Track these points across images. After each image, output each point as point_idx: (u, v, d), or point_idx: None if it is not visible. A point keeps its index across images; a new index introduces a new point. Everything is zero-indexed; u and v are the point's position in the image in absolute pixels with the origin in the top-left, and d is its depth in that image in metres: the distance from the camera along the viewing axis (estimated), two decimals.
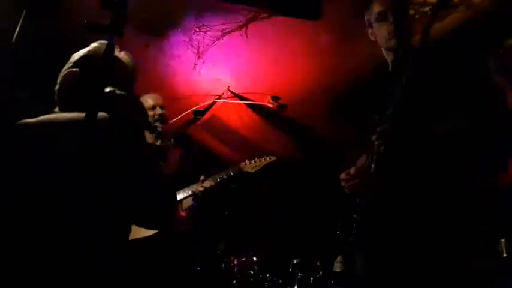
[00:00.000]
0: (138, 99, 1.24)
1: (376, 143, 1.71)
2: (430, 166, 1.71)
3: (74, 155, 0.91)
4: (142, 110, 1.24)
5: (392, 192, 1.73)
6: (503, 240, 1.49)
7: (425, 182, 1.70)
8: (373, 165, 1.75)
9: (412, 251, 1.67)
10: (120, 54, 1.43)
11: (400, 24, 1.86)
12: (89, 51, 1.41)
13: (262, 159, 3.03)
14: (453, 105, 1.70)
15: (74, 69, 1.37)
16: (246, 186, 3.37)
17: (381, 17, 1.89)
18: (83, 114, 0.96)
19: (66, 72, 1.38)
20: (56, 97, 1.40)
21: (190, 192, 2.73)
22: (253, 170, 2.97)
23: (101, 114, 1.12)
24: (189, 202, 2.73)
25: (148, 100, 2.89)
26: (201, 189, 2.69)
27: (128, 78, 1.41)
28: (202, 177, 2.74)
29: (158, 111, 2.83)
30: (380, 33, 1.92)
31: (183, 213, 2.76)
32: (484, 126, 1.66)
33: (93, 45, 1.42)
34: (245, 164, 2.99)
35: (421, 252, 1.66)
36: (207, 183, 2.73)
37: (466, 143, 1.68)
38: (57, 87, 1.40)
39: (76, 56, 1.42)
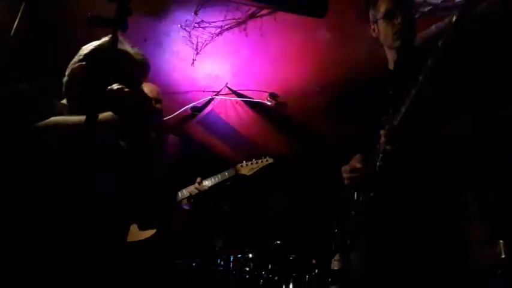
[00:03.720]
0: (146, 97, 1.21)
1: (384, 141, 1.70)
2: (435, 167, 1.70)
3: (78, 157, 0.90)
4: (149, 107, 1.22)
5: (395, 190, 1.73)
6: (501, 241, 1.49)
7: (428, 182, 1.70)
8: (378, 163, 1.74)
9: (410, 250, 1.67)
10: (133, 50, 1.41)
11: (407, 24, 1.85)
12: (99, 45, 1.39)
13: (259, 162, 2.96)
14: (458, 106, 1.70)
15: (82, 63, 1.35)
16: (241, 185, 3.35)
17: (389, 16, 1.87)
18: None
19: (75, 65, 1.36)
20: (63, 89, 1.38)
21: (187, 194, 2.72)
22: (250, 173, 2.92)
23: (106, 114, 1.10)
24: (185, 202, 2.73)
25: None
26: (197, 191, 2.68)
27: (137, 74, 1.38)
28: (198, 179, 2.72)
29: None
30: (386, 31, 1.90)
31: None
32: (487, 127, 1.66)
33: (104, 39, 1.40)
34: (241, 166, 2.93)
35: (420, 252, 1.65)
36: (204, 186, 2.72)
37: (470, 145, 1.67)
38: (65, 79, 1.38)
39: (85, 49, 1.40)
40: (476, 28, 2.38)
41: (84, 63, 1.35)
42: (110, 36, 1.36)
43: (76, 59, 1.38)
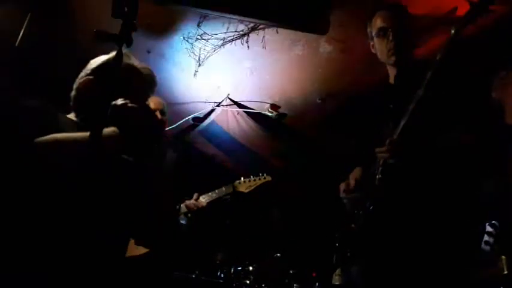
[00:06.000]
0: (151, 112, 1.21)
1: (385, 154, 1.71)
2: (434, 178, 1.71)
3: (80, 173, 0.89)
4: (153, 123, 1.22)
5: (395, 203, 1.73)
6: (503, 257, 1.48)
7: (428, 194, 1.70)
8: (378, 176, 1.75)
9: (411, 262, 1.66)
10: (140, 65, 1.41)
11: (400, 41, 1.87)
12: (107, 59, 1.39)
13: (257, 179, 2.98)
14: (455, 118, 1.71)
15: (90, 77, 1.35)
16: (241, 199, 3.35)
17: (382, 33, 1.91)
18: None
19: (82, 79, 1.36)
20: (71, 103, 1.37)
21: (184, 209, 2.71)
22: (247, 190, 2.93)
23: (109, 129, 1.10)
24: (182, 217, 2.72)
25: (149, 103, 2.90)
26: (194, 207, 2.68)
27: (144, 90, 1.39)
28: (195, 195, 2.72)
29: (157, 116, 2.84)
30: (380, 48, 1.95)
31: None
32: (483, 139, 1.68)
33: (112, 53, 1.40)
34: (239, 182, 2.94)
35: (420, 264, 1.65)
36: (201, 202, 2.72)
37: (467, 156, 1.69)
38: (73, 93, 1.38)
39: (93, 63, 1.40)
40: (476, 43, 2.40)
41: (91, 77, 1.35)
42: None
43: (83, 73, 1.38)
